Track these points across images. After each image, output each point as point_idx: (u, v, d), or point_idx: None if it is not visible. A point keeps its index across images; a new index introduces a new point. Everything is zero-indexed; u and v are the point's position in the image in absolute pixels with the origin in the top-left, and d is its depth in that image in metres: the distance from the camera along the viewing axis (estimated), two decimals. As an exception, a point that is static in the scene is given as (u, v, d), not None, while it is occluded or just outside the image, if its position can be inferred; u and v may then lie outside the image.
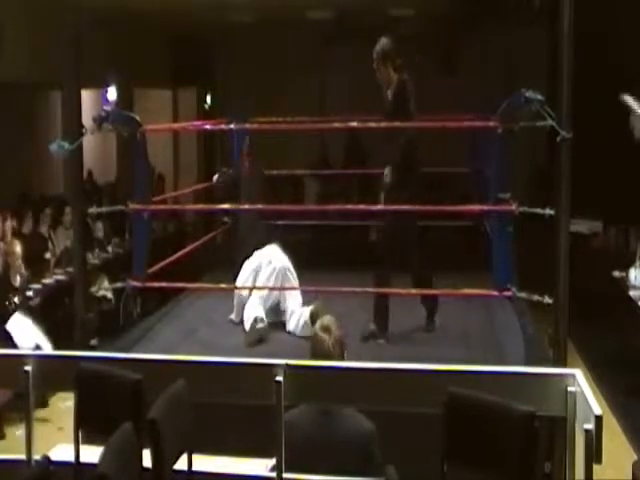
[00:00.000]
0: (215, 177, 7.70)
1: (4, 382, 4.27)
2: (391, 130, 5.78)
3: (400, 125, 5.64)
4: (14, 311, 7.29)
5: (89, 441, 3.59)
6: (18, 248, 7.66)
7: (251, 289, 6.17)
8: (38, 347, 6.94)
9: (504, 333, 6.04)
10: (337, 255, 8.17)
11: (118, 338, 6.24)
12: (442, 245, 9.05)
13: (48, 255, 9.02)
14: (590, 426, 3.01)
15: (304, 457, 3.40)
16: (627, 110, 4.43)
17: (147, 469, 3.15)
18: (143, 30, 11.90)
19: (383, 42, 5.79)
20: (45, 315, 7.78)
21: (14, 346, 6.85)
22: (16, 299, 7.48)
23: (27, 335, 7.07)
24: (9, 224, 8.63)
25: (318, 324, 3.69)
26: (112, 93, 11.92)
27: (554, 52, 4.75)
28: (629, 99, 4.45)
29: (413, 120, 5.74)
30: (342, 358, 3.60)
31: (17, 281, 7.61)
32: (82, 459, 3.52)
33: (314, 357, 3.59)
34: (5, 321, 7.12)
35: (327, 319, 3.71)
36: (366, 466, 3.35)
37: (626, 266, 8.27)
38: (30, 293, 7.72)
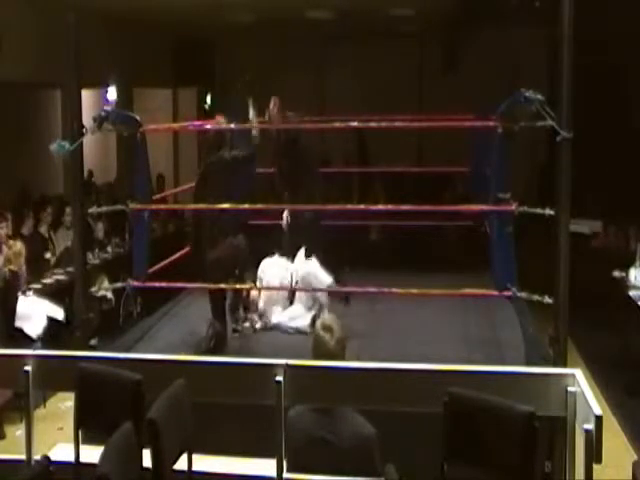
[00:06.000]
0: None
1: (4, 382, 4.28)
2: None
3: (401, 125, 5.64)
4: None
5: (89, 441, 3.60)
6: (23, 249, 7.66)
7: (253, 289, 6.16)
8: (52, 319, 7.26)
9: (504, 333, 6.04)
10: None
11: (118, 338, 6.24)
12: (442, 245, 9.07)
13: (48, 255, 9.02)
14: (590, 426, 3.01)
15: (304, 455, 3.39)
16: None
17: (147, 469, 3.15)
18: (143, 30, 11.89)
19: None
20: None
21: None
22: None
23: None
24: (10, 225, 8.61)
25: (319, 323, 3.64)
26: (112, 93, 11.91)
27: (554, 52, 4.75)
28: None
29: None
30: (343, 358, 3.57)
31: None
32: (82, 459, 3.52)
33: (316, 357, 3.56)
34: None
35: (329, 318, 3.67)
36: (366, 470, 3.33)
37: (626, 266, 8.27)
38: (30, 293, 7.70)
